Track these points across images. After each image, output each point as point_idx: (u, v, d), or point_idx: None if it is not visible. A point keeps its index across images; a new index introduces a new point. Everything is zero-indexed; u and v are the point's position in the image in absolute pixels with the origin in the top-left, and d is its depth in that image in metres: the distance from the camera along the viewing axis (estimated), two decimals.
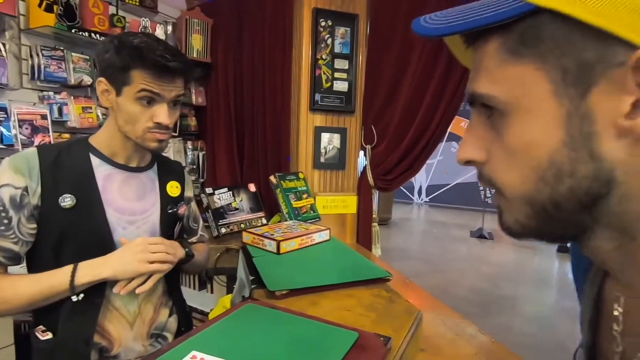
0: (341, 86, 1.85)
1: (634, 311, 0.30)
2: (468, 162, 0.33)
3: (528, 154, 0.28)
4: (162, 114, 0.81)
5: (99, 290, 0.80)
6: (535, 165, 0.28)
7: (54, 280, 0.75)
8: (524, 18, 0.27)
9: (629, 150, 0.25)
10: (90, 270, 0.76)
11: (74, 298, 0.78)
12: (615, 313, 0.32)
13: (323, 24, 1.79)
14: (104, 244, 0.82)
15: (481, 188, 8.17)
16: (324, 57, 1.81)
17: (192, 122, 2.42)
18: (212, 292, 2.22)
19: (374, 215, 1.97)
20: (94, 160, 0.84)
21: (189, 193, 1.04)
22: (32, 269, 0.81)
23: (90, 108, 1.84)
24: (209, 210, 1.62)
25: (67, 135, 1.78)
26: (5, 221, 0.75)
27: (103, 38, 1.76)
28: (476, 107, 0.32)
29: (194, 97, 2.32)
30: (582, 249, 0.32)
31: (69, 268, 0.76)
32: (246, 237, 1.36)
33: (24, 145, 1.56)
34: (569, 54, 0.26)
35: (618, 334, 0.32)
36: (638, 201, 0.26)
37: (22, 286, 0.74)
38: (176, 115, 0.86)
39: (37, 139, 1.61)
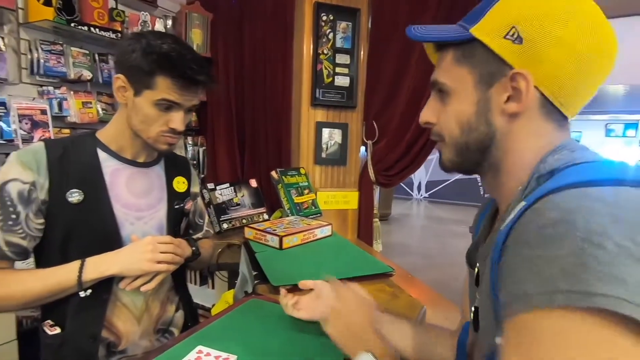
0: (342, 81, 1.84)
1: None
2: (427, 123, 0.53)
3: (459, 117, 0.49)
4: (178, 120, 0.81)
5: (106, 286, 0.80)
6: (461, 123, 0.49)
7: (62, 276, 0.75)
8: (466, 42, 0.47)
9: (504, 122, 0.46)
10: (98, 266, 0.76)
11: (82, 294, 0.77)
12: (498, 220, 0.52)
13: (324, 18, 1.78)
14: (111, 239, 0.82)
15: (480, 184, 8.18)
16: (325, 51, 1.80)
17: (193, 117, 2.41)
18: (213, 287, 2.23)
19: (374, 211, 1.98)
20: (101, 155, 0.84)
21: (195, 188, 1.04)
22: (40, 264, 0.81)
23: (90, 103, 1.83)
24: (211, 206, 1.61)
25: (67, 131, 1.77)
26: (13, 216, 0.74)
27: (109, 34, 1.75)
28: (434, 89, 0.52)
29: None
30: (481, 179, 0.53)
31: (76, 264, 0.76)
32: (248, 233, 1.36)
33: (24, 141, 1.55)
34: (484, 66, 0.46)
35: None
36: (503, 150, 0.47)
37: (30, 281, 0.74)
38: (189, 119, 0.86)
39: (37, 134, 1.60)
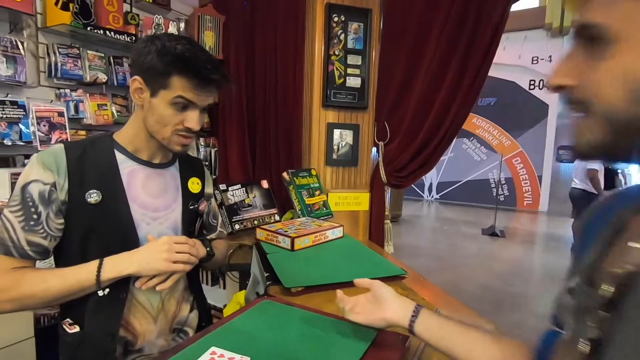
0: (354, 82, 1.83)
1: None
2: (559, 88, 0.38)
3: (629, 79, 0.33)
4: (194, 120, 0.82)
5: (123, 286, 0.81)
6: (631, 86, 0.33)
7: (81, 275, 0.76)
8: None
9: None
10: (116, 266, 0.78)
11: (100, 293, 0.79)
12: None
13: (336, 19, 1.78)
14: (128, 239, 0.83)
15: (493, 185, 8.07)
16: (336, 52, 1.80)
17: (205, 118, 2.43)
18: (224, 288, 2.24)
19: (386, 212, 1.96)
20: (119, 157, 0.85)
21: (209, 189, 1.05)
22: (60, 263, 0.83)
23: (106, 105, 1.86)
24: (223, 207, 1.63)
25: (83, 132, 1.80)
26: (35, 216, 0.76)
27: (124, 37, 1.78)
28: (580, 38, 0.37)
29: None
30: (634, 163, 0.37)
31: (94, 263, 0.77)
32: (260, 234, 1.37)
33: (42, 142, 1.59)
34: None
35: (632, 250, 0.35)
36: None
37: (50, 280, 0.75)
38: (204, 119, 0.87)
39: (55, 136, 1.63)
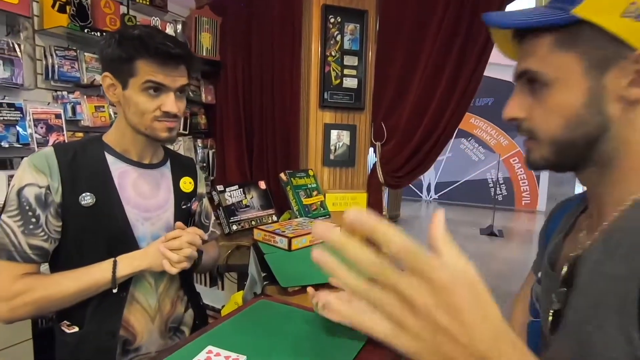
0: (351, 83, 1.84)
1: (590, 230, 0.47)
2: (512, 119, 0.48)
3: (563, 111, 0.43)
4: (169, 102, 0.82)
5: (124, 285, 0.82)
6: (566, 117, 0.43)
7: (96, 275, 0.78)
8: (568, 24, 0.42)
9: (620, 111, 0.41)
10: (130, 263, 0.80)
11: (114, 290, 0.80)
12: (582, 230, 0.49)
13: (332, 20, 1.79)
14: (125, 239, 0.84)
15: (491, 185, 8.09)
16: (333, 53, 1.81)
17: (202, 120, 2.44)
18: (222, 289, 2.24)
19: (383, 213, 1.97)
20: (109, 158, 0.85)
21: (201, 189, 1.05)
22: (56, 265, 0.83)
23: (103, 107, 1.86)
24: (220, 208, 1.63)
25: (80, 134, 1.80)
26: (34, 219, 0.76)
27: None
28: (522, 80, 0.46)
29: (203, 96, 2.34)
30: (577, 176, 0.48)
31: (108, 262, 0.79)
32: (257, 234, 1.37)
33: (40, 144, 1.59)
34: (597, 49, 0.41)
35: (580, 238, 0.48)
36: (619, 143, 0.42)
37: (64, 282, 0.76)
38: (183, 104, 0.87)
39: (52, 138, 1.64)
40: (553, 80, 0.43)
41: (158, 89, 0.81)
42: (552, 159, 0.45)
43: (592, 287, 0.41)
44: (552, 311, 0.47)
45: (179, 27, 2.19)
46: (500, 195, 8.04)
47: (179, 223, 0.86)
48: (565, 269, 0.45)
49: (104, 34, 1.76)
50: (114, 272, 0.78)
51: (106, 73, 0.81)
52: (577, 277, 0.44)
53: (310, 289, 0.76)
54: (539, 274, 0.54)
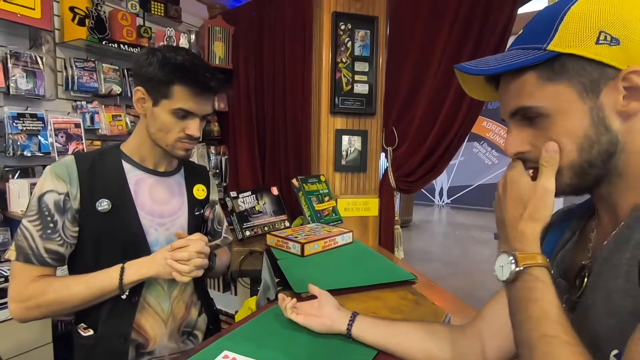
0: (361, 89, 1.85)
1: (600, 237, 0.49)
2: (518, 153, 0.49)
3: (572, 134, 0.45)
4: (194, 127, 0.85)
5: (136, 290, 0.85)
6: (578, 141, 0.44)
7: (104, 281, 0.80)
8: (552, 58, 0.44)
9: (620, 124, 0.43)
10: (137, 270, 0.81)
11: (123, 296, 0.82)
12: (591, 238, 0.51)
13: (343, 27, 1.80)
14: (139, 245, 0.86)
15: None
16: (344, 60, 1.82)
17: (215, 127, 2.48)
18: (235, 294, 2.26)
19: (395, 218, 1.96)
20: (126, 166, 0.89)
21: (214, 196, 1.07)
22: (74, 269, 0.86)
23: (120, 116, 1.92)
24: (234, 214, 1.65)
25: (98, 143, 1.86)
26: (51, 225, 0.80)
27: (137, 50, 1.84)
28: (515, 117, 0.48)
29: (216, 103, 2.38)
30: (592, 195, 0.50)
31: (116, 269, 0.81)
32: (270, 240, 1.38)
33: (60, 153, 1.64)
34: (584, 76, 0.43)
35: (590, 247, 0.50)
36: (628, 153, 0.44)
37: (74, 287, 0.79)
38: (203, 127, 0.91)
39: (72, 147, 1.69)
40: (553, 111, 0.45)
41: (186, 115, 0.84)
42: (575, 182, 0.46)
43: (602, 279, 0.43)
44: None
45: (193, 37, 2.24)
46: None
47: (181, 232, 0.87)
48: (585, 279, 0.47)
49: (131, 47, 1.81)
50: (120, 278, 0.79)
51: (140, 87, 0.84)
52: (589, 278, 0.46)
53: (280, 295, 0.82)
54: None
